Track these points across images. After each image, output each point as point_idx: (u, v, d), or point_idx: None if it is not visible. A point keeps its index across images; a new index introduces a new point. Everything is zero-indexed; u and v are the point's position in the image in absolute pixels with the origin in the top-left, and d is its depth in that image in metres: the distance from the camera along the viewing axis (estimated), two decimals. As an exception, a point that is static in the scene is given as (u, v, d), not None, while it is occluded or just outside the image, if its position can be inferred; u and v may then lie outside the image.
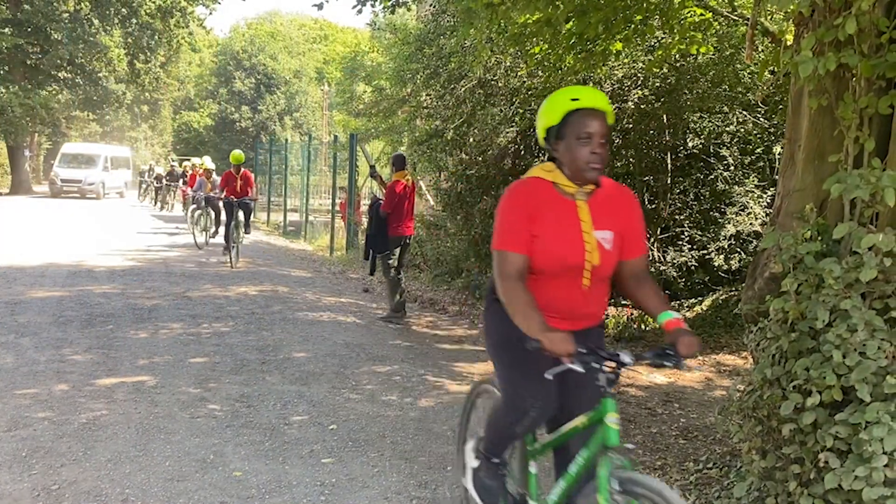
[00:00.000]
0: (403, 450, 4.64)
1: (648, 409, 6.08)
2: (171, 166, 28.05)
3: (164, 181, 26.23)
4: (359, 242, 14.52)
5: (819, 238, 3.62)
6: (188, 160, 26.66)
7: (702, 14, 7.07)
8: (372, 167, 11.10)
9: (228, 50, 53.66)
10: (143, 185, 31.62)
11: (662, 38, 8.33)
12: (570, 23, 6.68)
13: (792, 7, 3.14)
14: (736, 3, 7.98)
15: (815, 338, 3.35)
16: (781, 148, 10.31)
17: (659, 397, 6.46)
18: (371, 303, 9.87)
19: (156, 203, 27.24)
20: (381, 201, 8.99)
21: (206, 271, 11.67)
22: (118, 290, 9.49)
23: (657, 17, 6.64)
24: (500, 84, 9.62)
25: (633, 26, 6.73)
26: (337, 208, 16.52)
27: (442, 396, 5.86)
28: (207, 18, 44.15)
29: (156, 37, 34.46)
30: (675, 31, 6.85)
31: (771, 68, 9.73)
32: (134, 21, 33.48)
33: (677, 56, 8.69)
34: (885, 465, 2.95)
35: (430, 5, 10.65)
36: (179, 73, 49.22)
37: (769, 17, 8.69)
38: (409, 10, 8.86)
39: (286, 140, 26.15)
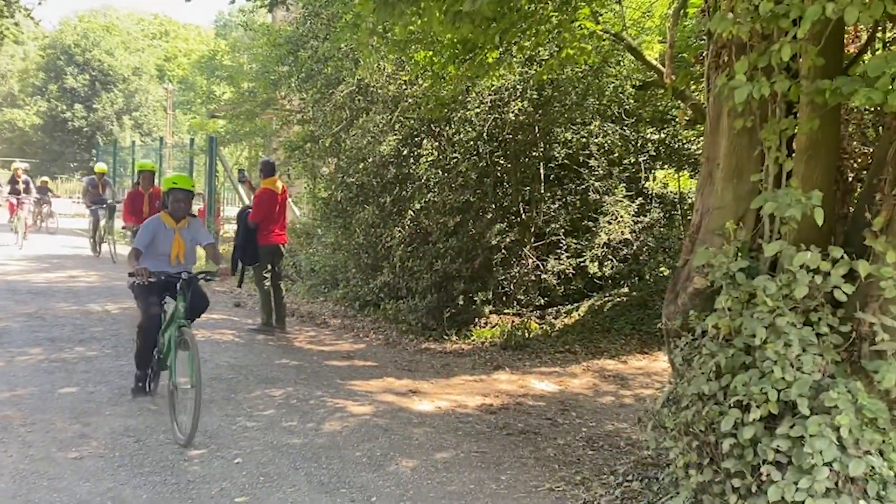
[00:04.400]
0: (320, 481, 4.38)
1: (550, 420, 6.13)
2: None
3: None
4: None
5: (739, 255, 3.75)
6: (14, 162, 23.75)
7: (590, 28, 7.27)
8: (241, 171, 10.62)
9: (58, 43, 49.54)
10: None
11: (541, 50, 8.48)
12: (463, 32, 6.61)
13: (732, 30, 3.21)
14: (601, 19, 8.28)
15: (749, 353, 3.46)
16: (643, 159, 10.91)
17: (556, 406, 6.53)
18: (245, 318, 9.36)
19: None
20: (250, 210, 8.53)
21: (56, 287, 10.62)
22: (-46, 312, 8.43)
23: (556, 29, 6.75)
24: (380, 91, 9.42)
25: (527, 36, 6.77)
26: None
27: (347, 419, 5.61)
28: (35, 9, 40.46)
29: (-25, 26, 31.32)
30: (567, 42, 6.99)
31: (636, 83, 10.26)
32: (-51, 8, 30.25)
33: (556, 68, 8.87)
34: (827, 477, 3.07)
35: (303, 7, 10.25)
36: (1, 66, 45.01)
37: (631, 33, 9.11)
38: (288, 10, 8.49)
39: (134, 142, 24.51)
